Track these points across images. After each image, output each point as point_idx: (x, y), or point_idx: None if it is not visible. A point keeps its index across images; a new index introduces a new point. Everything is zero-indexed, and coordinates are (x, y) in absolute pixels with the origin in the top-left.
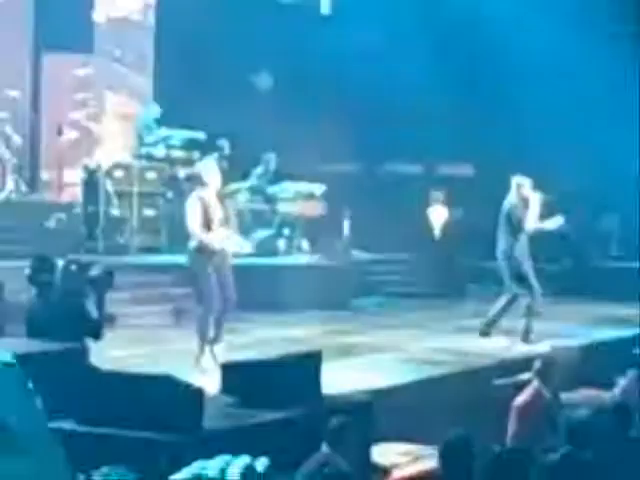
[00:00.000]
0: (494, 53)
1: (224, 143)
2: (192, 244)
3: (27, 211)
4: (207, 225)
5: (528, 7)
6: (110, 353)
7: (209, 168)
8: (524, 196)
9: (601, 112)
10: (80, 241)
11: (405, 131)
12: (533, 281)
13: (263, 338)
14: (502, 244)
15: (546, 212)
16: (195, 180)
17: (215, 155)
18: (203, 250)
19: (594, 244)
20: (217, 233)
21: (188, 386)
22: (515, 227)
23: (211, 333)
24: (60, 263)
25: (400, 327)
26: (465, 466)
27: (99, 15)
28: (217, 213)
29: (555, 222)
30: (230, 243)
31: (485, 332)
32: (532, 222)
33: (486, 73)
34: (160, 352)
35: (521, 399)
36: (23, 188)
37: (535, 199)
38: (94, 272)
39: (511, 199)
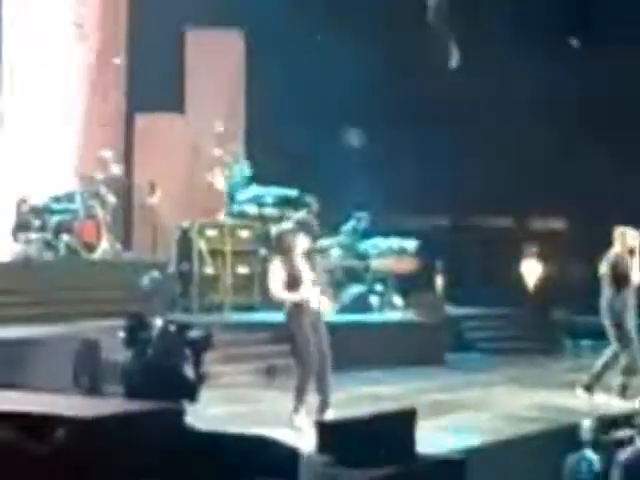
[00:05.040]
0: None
1: (311, 200)
2: (287, 302)
3: (121, 270)
4: (295, 286)
5: None
6: (205, 412)
7: (292, 233)
8: (630, 246)
9: None
10: (174, 300)
11: (496, 184)
12: (633, 336)
13: (356, 395)
14: (605, 296)
15: None
16: (279, 247)
17: (304, 212)
18: (299, 307)
19: None
20: (303, 290)
21: (283, 445)
22: (619, 279)
23: (313, 395)
24: (158, 322)
25: (495, 384)
26: None
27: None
28: (306, 273)
29: None
30: (316, 301)
31: (588, 387)
32: (639, 273)
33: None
34: (254, 411)
35: (624, 456)
36: (117, 247)
37: None
38: (194, 334)
39: (616, 250)
